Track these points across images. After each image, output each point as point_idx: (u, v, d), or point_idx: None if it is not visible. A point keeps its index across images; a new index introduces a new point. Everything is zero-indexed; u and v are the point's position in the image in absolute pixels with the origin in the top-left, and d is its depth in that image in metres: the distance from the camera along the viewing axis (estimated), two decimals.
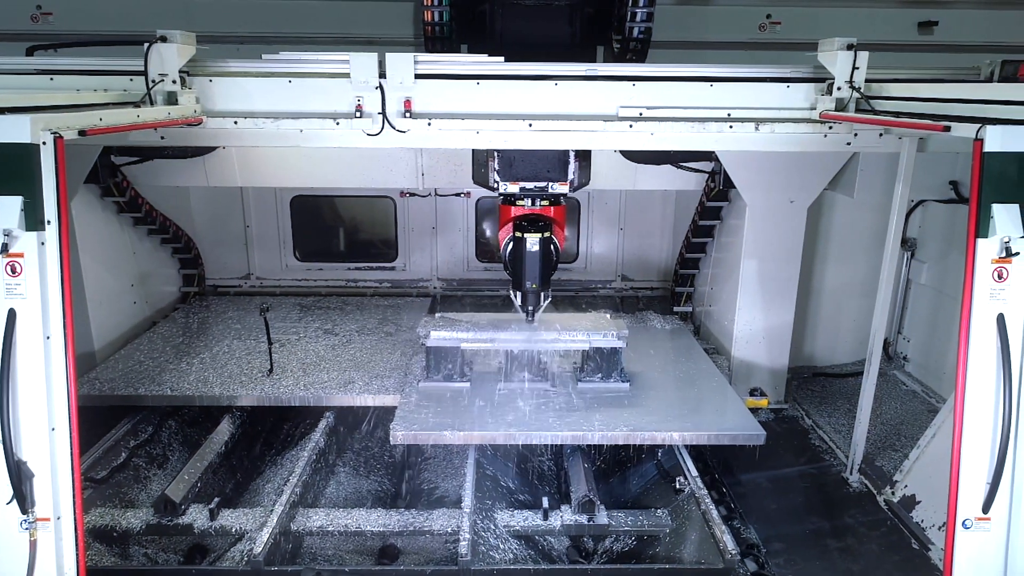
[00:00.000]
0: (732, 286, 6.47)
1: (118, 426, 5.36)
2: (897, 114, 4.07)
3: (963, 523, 3.13)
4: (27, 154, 2.92)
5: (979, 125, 3.00)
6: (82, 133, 3.23)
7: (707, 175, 6.48)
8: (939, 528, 4.62)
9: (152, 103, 4.37)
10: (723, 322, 6.75)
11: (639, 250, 8.33)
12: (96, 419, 5.26)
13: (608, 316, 5.76)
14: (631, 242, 8.30)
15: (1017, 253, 2.98)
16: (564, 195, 5.31)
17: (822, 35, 4.67)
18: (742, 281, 6.31)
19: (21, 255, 2.95)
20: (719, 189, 6.34)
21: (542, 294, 5.40)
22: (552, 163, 5.16)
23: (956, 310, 6.14)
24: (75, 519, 3.12)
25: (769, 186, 5.94)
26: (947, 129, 3.27)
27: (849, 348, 7.13)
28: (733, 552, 4.05)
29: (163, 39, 4.35)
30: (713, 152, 5.92)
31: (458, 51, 6.10)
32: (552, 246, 5.30)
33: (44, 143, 2.95)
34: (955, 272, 6.16)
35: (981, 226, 3.03)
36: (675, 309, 7.62)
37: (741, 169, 5.88)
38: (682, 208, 7.80)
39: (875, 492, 5.19)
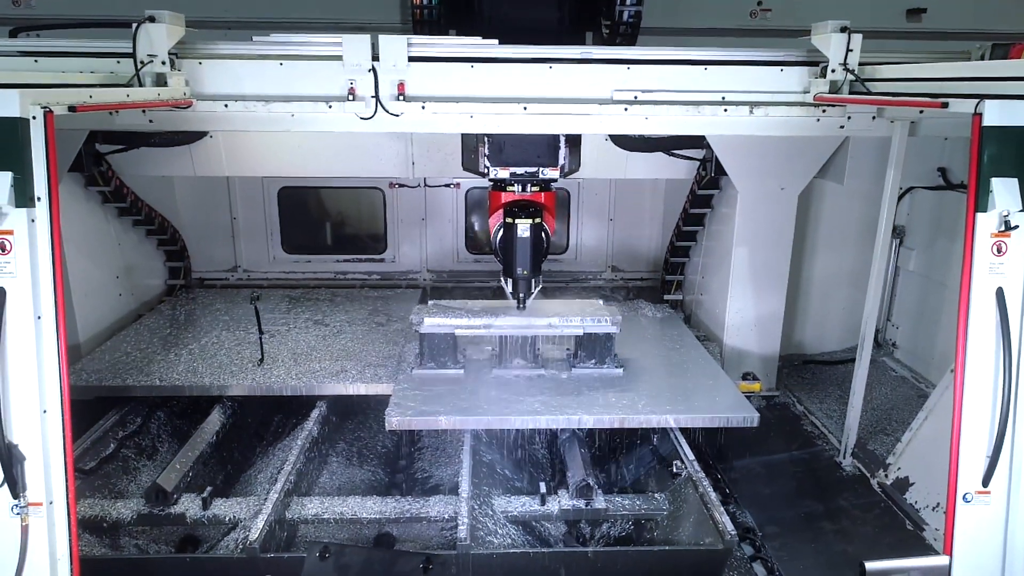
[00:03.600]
0: (723, 274, 6.49)
1: (106, 417, 5.25)
2: (892, 95, 4.09)
3: (963, 497, 3.14)
4: (16, 129, 2.84)
5: (977, 100, 3.01)
6: (72, 109, 3.15)
7: (698, 163, 6.49)
8: (933, 509, 4.66)
9: (141, 85, 4.28)
10: (714, 310, 6.76)
11: (629, 241, 8.33)
12: (83, 410, 5.17)
13: (600, 303, 5.75)
14: (620, 233, 8.30)
15: (1016, 226, 2.99)
16: (555, 180, 5.28)
17: (811, 22, 4.68)
18: (733, 269, 6.32)
19: (11, 232, 2.86)
20: (710, 177, 6.35)
21: (533, 281, 5.37)
22: (542, 148, 5.12)
23: (944, 296, 6.25)
24: (68, 504, 3.05)
25: (760, 173, 5.96)
26: (945, 106, 3.28)
27: (838, 336, 7.18)
28: (732, 534, 4.04)
29: (151, 19, 4.26)
30: (704, 139, 5.93)
31: (446, 35, 6.04)
32: (543, 232, 5.27)
33: (34, 117, 2.88)
34: (943, 259, 6.23)
35: (980, 201, 3.02)
36: (665, 297, 7.64)
37: (732, 156, 5.89)
38: (671, 198, 7.81)
39: (868, 475, 5.22)
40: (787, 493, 5.28)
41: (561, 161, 5.20)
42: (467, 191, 8.04)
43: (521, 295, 5.40)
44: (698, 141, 6.15)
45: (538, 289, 5.48)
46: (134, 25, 4.28)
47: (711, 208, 6.85)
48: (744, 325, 6.47)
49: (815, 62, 4.68)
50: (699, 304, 7.26)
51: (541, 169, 5.18)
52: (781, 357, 6.67)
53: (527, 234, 5.17)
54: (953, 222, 6.10)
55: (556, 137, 5.11)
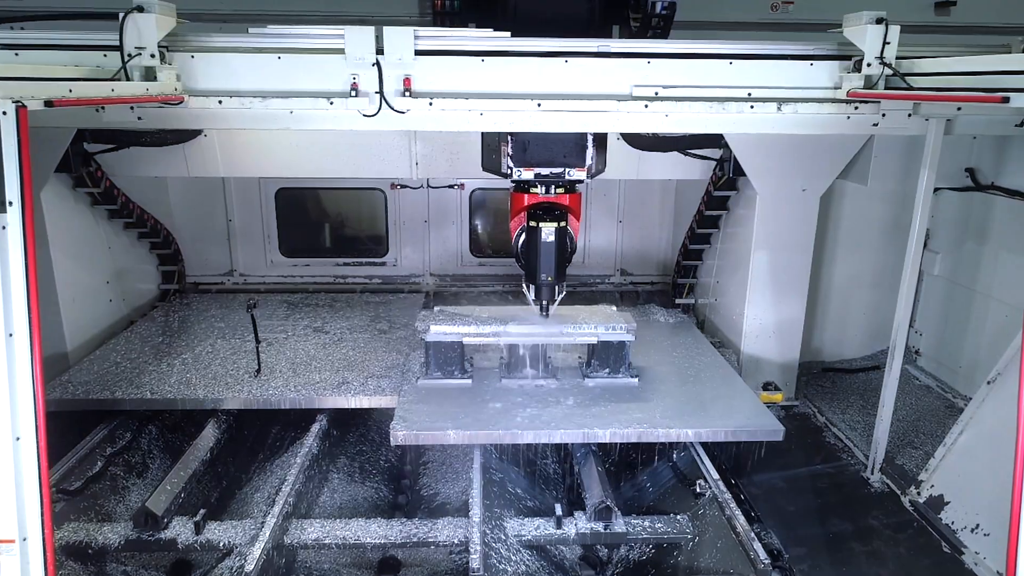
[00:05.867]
0: (741, 279, 6.22)
1: (93, 432, 4.95)
2: (934, 89, 3.82)
3: None
4: None
5: None
6: (49, 104, 2.86)
7: (715, 163, 6.21)
8: (972, 530, 4.39)
9: (128, 79, 4.00)
10: (731, 316, 6.49)
11: (638, 243, 8.07)
12: (69, 425, 4.88)
13: (613, 309, 5.49)
14: (630, 235, 8.04)
15: None
16: (581, 182, 4.99)
17: (834, 16, 4.42)
18: (752, 274, 6.05)
19: None
20: (727, 177, 6.08)
21: (556, 287, 5.10)
22: (569, 148, 4.84)
23: (972, 302, 5.99)
24: (43, 541, 2.77)
25: (781, 174, 5.70)
26: (1006, 100, 3.01)
27: (858, 342, 6.92)
28: (765, 562, 3.77)
29: (140, 9, 3.98)
30: (722, 138, 5.66)
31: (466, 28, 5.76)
32: (567, 237, 5.00)
33: (4, 113, 2.59)
34: (971, 263, 5.97)
35: None
36: (677, 301, 7.37)
37: (752, 155, 5.63)
38: (682, 200, 7.55)
39: (899, 492, 4.96)
40: (813, 511, 5.00)
41: (588, 161, 4.92)
42: (471, 192, 7.76)
43: (544, 302, 5.14)
44: (714, 140, 5.87)
45: (561, 296, 5.20)
46: (121, 15, 3.99)
47: (727, 210, 6.57)
48: (763, 332, 6.20)
49: (847, 56, 4.41)
50: (713, 309, 6.99)
51: (567, 170, 4.90)
52: (799, 365, 6.40)
53: (551, 238, 4.90)
54: (982, 224, 5.84)
55: (583, 136, 4.83)
